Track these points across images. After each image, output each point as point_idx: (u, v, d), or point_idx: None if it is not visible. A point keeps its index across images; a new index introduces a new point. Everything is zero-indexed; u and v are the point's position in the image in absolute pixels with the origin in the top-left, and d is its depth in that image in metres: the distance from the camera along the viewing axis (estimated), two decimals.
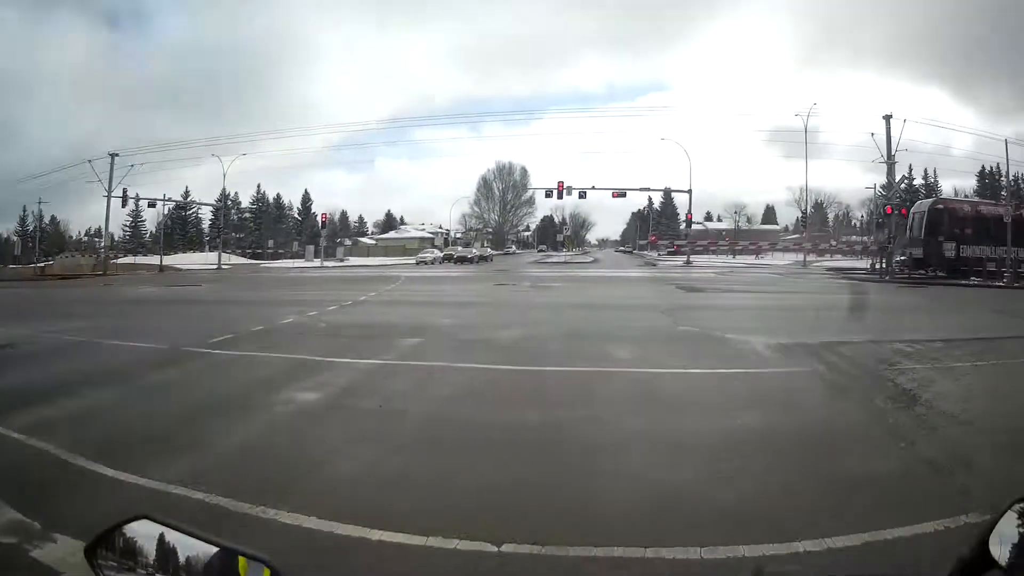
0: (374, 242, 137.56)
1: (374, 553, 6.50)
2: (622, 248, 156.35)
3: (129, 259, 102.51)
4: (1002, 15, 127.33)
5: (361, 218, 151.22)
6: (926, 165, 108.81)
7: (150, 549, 1.69)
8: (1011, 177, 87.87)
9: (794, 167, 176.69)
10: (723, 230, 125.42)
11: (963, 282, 52.89)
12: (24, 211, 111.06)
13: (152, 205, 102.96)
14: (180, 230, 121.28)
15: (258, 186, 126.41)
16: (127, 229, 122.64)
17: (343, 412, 12.14)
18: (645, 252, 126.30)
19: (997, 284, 49.63)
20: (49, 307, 33.55)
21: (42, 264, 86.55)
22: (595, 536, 6.72)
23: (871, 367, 15.75)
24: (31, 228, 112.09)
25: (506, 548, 6.52)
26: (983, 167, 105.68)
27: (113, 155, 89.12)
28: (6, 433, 10.40)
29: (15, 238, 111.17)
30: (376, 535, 6.78)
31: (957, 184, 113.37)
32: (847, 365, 16.01)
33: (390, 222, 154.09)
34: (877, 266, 64.85)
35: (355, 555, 6.50)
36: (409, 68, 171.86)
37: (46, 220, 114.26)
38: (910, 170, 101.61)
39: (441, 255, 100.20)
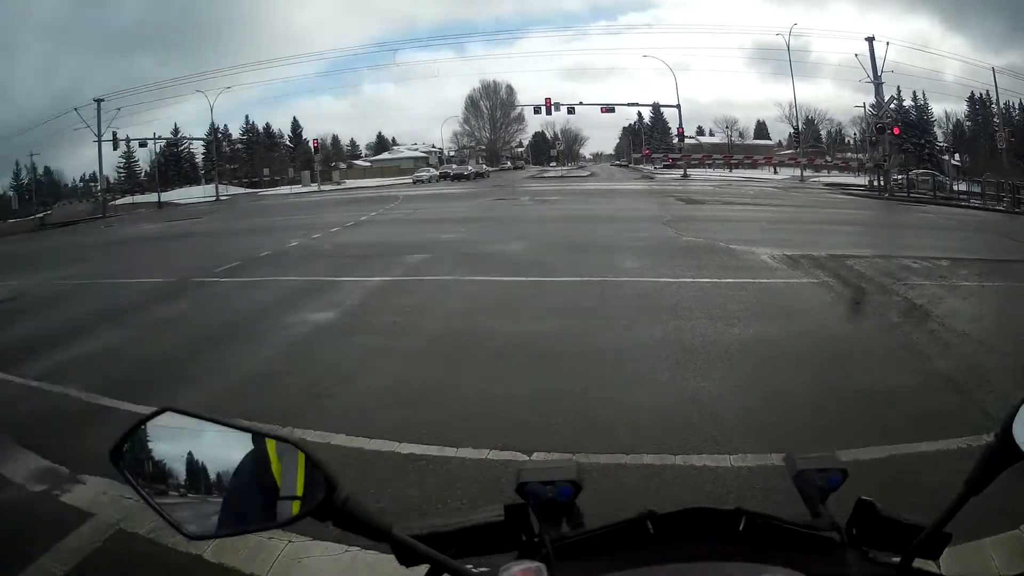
0: (369, 164, 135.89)
1: (407, 465, 6.56)
2: (617, 162, 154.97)
3: (127, 199, 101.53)
4: None
5: (353, 141, 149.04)
6: (916, 88, 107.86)
7: (176, 440, 1.68)
8: (1001, 105, 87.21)
9: (783, 85, 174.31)
10: (715, 143, 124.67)
11: (962, 203, 52.71)
12: (17, 165, 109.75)
13: (143, 145, 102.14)
14: (174, 166, 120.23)
15: (246, 117, 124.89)
16: (122, 171, 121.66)
17: (359, 329, 12.21)
18: (641, 166, 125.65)
19: (997, 208, 49.50)
20: (53, 255, 32.72)
21: (41, 215, 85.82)
22: (624, 444, 6.80)
23: (880, 281, 15.68)
24: (26, 181, 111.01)
25: (537, 456, 6.62)
26: (972, 93, 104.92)
27: (99, 100, 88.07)
28: (25, 382, 10.36)
29: (11, 193, 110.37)
30: (406, 448, 6.86)
31: (949, 108, 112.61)
32: (855, 278, 15.99)
33: (382, 144, 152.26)
34: (875, 183, 64.68)
35: (387, 469, 6.53)
36: None
37: (40, 172, 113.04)
38: (899, 92, 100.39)
39: (437, 173, 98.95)
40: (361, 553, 4.83)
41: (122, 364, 11.07)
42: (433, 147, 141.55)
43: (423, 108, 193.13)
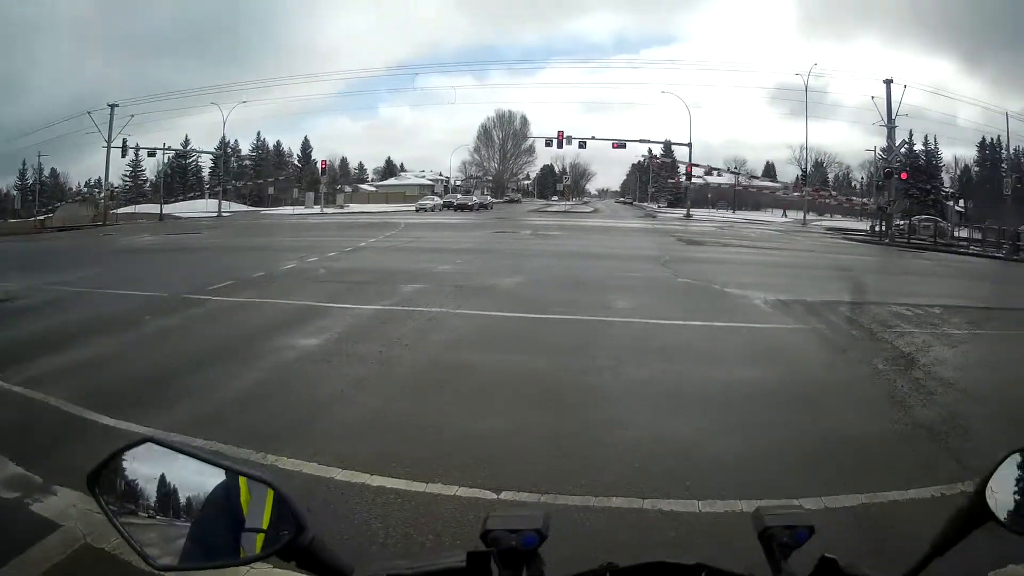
0: (374, 189, 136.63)
1: (375, 499, 6.54)
2: (622, 199, 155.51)
3: (130, 208, 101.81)
4: None
5: (361, 164, 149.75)
6: (928, 132, 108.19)
7: (154, 471, 1.70)
8: (1011, 150, 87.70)
9: (795, 126, 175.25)
10: (723, 184, 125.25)
11: (963, 250, 52.76)
12: (24, 165, 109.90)
13: (152, 154, 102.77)
14: (180, 178, 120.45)
15: (258, 133, 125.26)
16: (127, 179, 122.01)
17: (343, 358, 12.15)
18: (645, 204, 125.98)
19: (997, 255, 49.51)
20: (50, 259, 32.98)
21: (41, 217, 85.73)
22: (593, 486, 6.77)
23: (870, 328, 15.70)
24: (31, 182, 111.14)
25: (505, 495, 6.60)
26: (983, 138, 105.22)
27: (112, 106, 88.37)
28: (7, 388, 10.37)
29: (15, 192, 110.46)
30: (376, 481, 6.85)
31: (958, 153, 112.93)
32: (845, 324, 16.07)
33: (390, 169, 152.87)
34: (877, 228, 64.78)
35: (352, 502, 6.52)
36: (417, 14, 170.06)
37: (46, 173, 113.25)
38: (910, 135, 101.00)
39: (441, 202, 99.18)
40: None
41: (104, 377, 11.06)
42: (440, 175, 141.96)
43: (436, 135, 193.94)
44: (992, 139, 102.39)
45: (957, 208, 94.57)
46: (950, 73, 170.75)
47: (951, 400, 10.32)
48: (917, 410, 9.76)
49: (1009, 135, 78.25)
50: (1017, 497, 1.81)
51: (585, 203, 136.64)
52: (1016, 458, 1.85)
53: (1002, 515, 1.77)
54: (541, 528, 1.65)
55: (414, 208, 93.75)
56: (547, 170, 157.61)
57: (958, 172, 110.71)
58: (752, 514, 1.77)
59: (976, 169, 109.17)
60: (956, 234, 63.46)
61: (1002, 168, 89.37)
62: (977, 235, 57.39)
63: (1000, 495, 1.80)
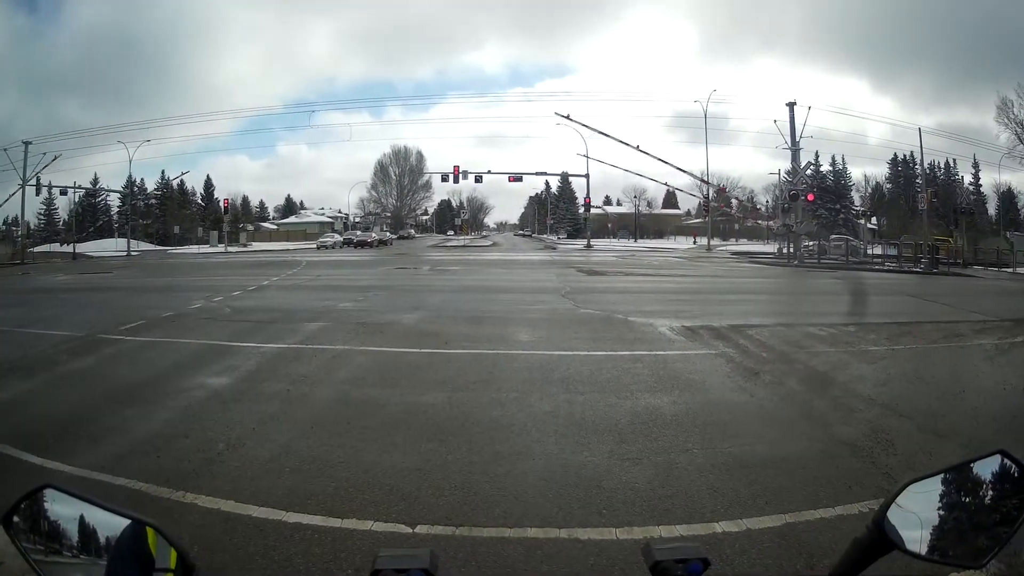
0: (276, 227, 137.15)
1: (292, 534, 6.46)
2: (521, 232, 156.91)
3: (45, 247, 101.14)
4: (921, 5, 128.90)
5: (263, 203, 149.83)
6: (838, 152, 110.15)
7: (54, 519, 1.74)
8: (924, 165, 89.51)
9: (697, 152, 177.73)
10: (622, 213, 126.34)
11: (876, 267, 53.64)
12: None
13: (64, 193, 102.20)
14: (91, 217, 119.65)
15: (163, 172, 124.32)
16: (42, 217, 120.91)
17: (253, 396, 12.00)
18: (544, 236, 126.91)
19: (915, 269, 50.33)
20: None
21: None
22: (508, 517, 6.77)
23: (781, 350, 15.87)
24: None
25: (420, 529, 6.56)
26: (895, 154, 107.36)
27: (27, 143, 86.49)
28: None
29: None
30: (292, 517, 6.77)
31: (870, 171, 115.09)
32: (756, 348, 16.11)
33: (290, 207, 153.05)
34: (784, 250, 65.69)
35: (271, 538, 6.42)
36: (311, 50, 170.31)
37: None
38: (817, 156, 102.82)
39: (341, 239, 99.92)
40: None
41: (25, 415, 11.06)
42: (339, 212, 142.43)
43: (334, 172, 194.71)
44: (905, 155, 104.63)
45: (869, 226, 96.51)
46: (863, 92, 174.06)
47: (873, 416, 10.45)
48: (838, 428, 9.89)
49: (923, 150, 79.74)
50: (918, 524, 1.88)
51: (484, 236, 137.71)
52: (914, 487, 1.93)
53: (904, 543, 1.85)
54: (429, 567, 1.67)
55: (315, 245, 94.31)
56: (445, 205, 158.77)
57: (869, 190, 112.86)
58: (642, 549, 1.73)
59: (888, 186, 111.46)
60: (869, 251, 64.59)
61: (916, 183, 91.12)
62: (892, 251, 58.43)
63: (901, 523, 1.88)
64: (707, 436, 9.57)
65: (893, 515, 1.89)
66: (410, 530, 6.52)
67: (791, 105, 75.44)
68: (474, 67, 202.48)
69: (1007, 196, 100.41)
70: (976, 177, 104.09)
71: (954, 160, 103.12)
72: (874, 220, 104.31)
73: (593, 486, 7.65)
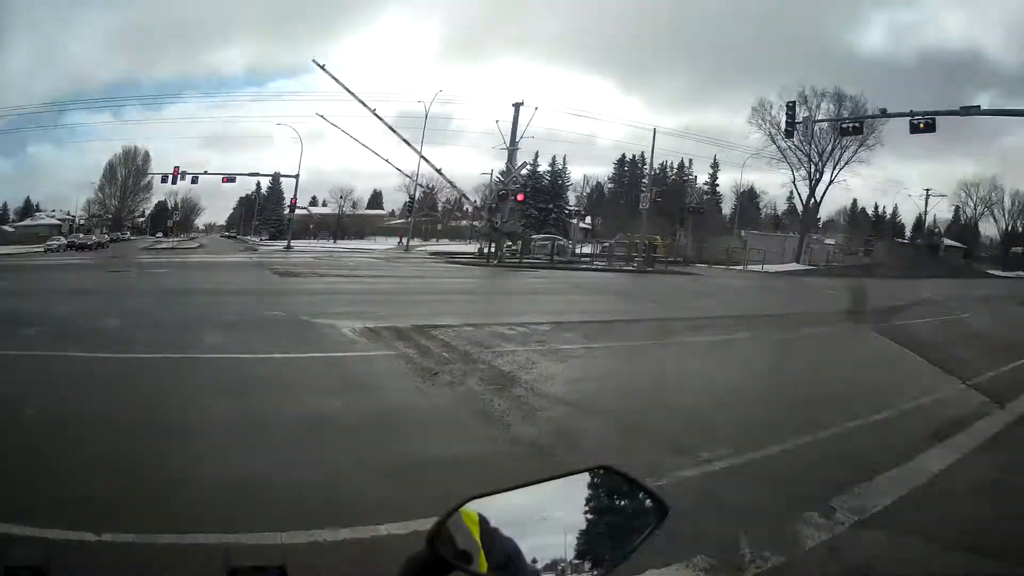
0: (13, 229, 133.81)
1: None
2: (227, 233, 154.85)
3: None
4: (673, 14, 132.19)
5: (6, 205, 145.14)
6: (569, 152, 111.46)
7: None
8: (653, 165, 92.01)
9: (412, 152, 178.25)
10: (326, 213, 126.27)
11: (584, 266, 54.68)
12: None
13: None
14: None
15: None
16: None
17: None
18: (248, 237, 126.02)
19: (627, 268, 51.53)
20: None
21: None
22: (183, 523, 6.57)
23: (465, 350, 15.97)
24: None
25: (106, 537, 6.30)
26: (623, 155, 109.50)
27: None
28: None
29: None
30: None
31: (589, 171, 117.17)
32: (439, 348, 16.21)
33: (28, 209, 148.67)
34: (485, 250, 66.42)
35: None
36: (68, 48, 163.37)
37: None
38: (536, 156, 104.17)
39: (66, 242, 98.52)
40: None
41: None
42: (68, 214, 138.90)
43: (71, 174, 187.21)
44: (635, 155, 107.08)
45: (582, 225, 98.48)
46: (609, 91, 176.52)
47: (558, 415, 10.67)
48: (518, 427, 9.97)
49: (653, 150, 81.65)
50: (467, 541, 1.95)
51: (192, 239, 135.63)
52: (465, 508, 2.00)
53: (457, 559, 1.89)
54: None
55: (43, 249, 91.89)
56: (161, 206, 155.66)
57: (587, 190, 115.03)
58: (222, 553, 1.68)
59: (611, 186, 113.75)
60: (579, 251, 65.95)
61: (642, 183, 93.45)
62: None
63: (454, 539, 1.95)
64: (378, 439, 9.62)
65: (446, 534, 1.91)
66: (96, 537, 6.26)
67: (517, 105, 76.24)
68: (215, 67, 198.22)
69: (746, 196, 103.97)
70: (713, 177, 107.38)
71: (690, 160, 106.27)
72: (588, 220, 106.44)
73: (261, 491, 7.57)
